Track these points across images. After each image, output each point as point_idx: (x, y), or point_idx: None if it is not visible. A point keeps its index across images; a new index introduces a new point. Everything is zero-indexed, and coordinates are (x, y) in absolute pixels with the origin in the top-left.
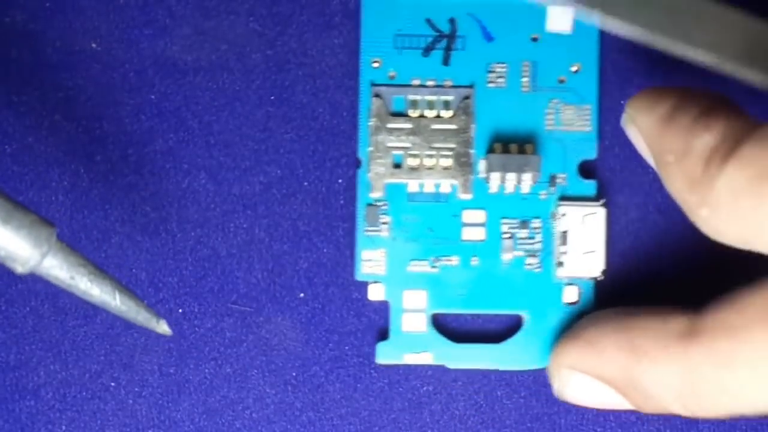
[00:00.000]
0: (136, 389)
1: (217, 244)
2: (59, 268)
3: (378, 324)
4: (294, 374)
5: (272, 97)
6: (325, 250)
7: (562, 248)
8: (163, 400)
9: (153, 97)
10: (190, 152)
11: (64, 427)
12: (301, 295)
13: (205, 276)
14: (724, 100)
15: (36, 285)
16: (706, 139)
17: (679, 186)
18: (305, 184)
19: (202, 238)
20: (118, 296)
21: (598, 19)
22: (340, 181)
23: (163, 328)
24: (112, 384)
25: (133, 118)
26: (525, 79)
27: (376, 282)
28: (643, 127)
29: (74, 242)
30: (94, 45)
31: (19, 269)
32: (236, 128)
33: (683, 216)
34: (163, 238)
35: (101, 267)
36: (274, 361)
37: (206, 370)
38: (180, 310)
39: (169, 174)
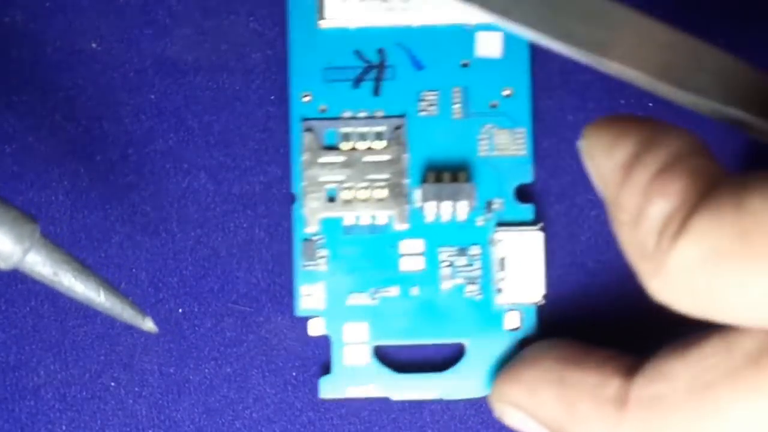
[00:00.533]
0: (136, 389)
1: (217, 244)
2: (42, 265)
3: (320, 359)
4: (294, 374)
5: (272, 97)
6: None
7: (501, 274)
8: (163, 400)
9: (153, 97)
10: (190, 152)
11: (64, 427)
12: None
13: (205, 276)
14: (690, 146)
15: (36, 285)
16: (660, 206)
17: (631, 251)
18: None
19: (202, 238)
20: (102, 293)
21: (512, 28)
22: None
23: (148, 325)
24: (112, 384)
25: (133, 118)
26: (456, 106)
27: (316, 317)
28: (599, 169)
29: (74, 242)
30: (94, 45)
31: (1, 265)
32: (236, 128)
33: None
34: (163, 238)
35: (100, 266)
36: (274, 361)
37: (206, 370)
38: (180, 310)
39: (169, 174)
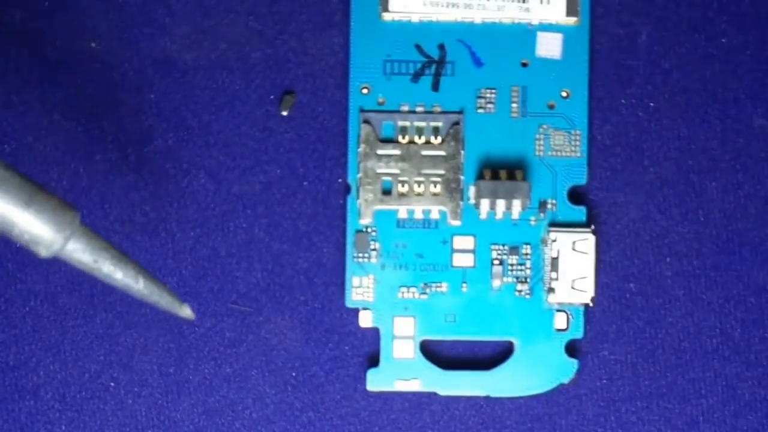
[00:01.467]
0: (136, 389)
1: (217, 244)
2: (82, 252)
3: (368, 350)
4: (294, 374)
5: (272, 97)
6: (325, 250)
7: (553, 274)
8: (163, 400)
9: (153, 96)
10: (190, 152)
11: (64, 427)
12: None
13: (205, 276)
14: None
15: (36, 285)
16: None
17: None
18: (305, 184)
19: (202, 238)
20: (141, 280)
21: None
22: (339, 180)
23: (186, 312)
24: (112, 384)
25: (133, 117)
26: (514, 105)
27: (365, 309)
28: None
29: None
30: (94, 45)
31: (43, 253)
32: (236, 128)
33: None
34: (163, 238)
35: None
36: (274, 361)
37: (206, 370)
38: None
39: (169, 174)
